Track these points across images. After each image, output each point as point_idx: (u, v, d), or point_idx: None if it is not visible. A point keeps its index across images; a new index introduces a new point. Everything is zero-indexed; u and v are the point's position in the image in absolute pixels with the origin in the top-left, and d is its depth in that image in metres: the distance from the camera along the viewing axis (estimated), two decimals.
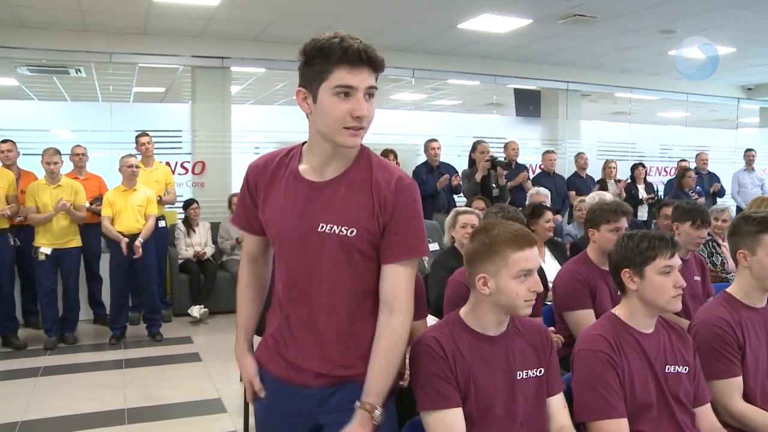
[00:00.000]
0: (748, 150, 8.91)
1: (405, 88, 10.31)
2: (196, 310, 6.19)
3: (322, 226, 1.60)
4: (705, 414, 2.02)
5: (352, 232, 1.59)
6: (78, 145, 6.00)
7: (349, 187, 1.62)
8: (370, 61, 1.51)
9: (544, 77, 8.92)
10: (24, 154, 5.79)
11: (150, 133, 6.33)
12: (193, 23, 6.63)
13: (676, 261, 1.98)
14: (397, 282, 1.62)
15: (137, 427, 3.80)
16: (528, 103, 9.73)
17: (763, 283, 2.22)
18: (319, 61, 1.50)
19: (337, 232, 1.59)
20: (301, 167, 1.66)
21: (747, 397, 2.15)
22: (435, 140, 7.12)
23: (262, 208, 1.70)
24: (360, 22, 6.51)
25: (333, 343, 1.64)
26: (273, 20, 6.51)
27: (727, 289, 2.33)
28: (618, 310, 2.06)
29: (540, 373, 1.86)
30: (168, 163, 6.93)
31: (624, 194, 7.61)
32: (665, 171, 9.45)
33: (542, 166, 7.90)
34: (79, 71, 8.55)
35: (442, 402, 1.72)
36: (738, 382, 2.15)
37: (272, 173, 1.68)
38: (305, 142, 1.69)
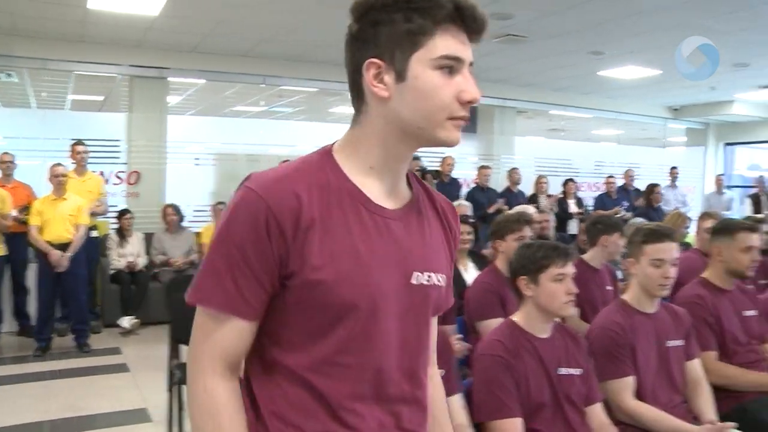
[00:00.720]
0: (672, 168, 9.46)
1: (347, 102, 10.41)
2: (126, 321, 6.08)
3: (417, 276, 1.07)
4: (595, 412, 2.15)
5: (440, 279, 1.12)
6: (5, 153, 5.84)
7: (427, 216, 1.14)
8: (479, 29, 1.03)
9: (481, 94, 9.11)
10: None
11: (86, 142, 6.22)
12: (131, 32, 6.56)
13: (569, 269, 2.11)
14: (435, 335, 1.26)
15: None
16: None
17: (646, 289, 2.38)
18: (407, 17, 0.99)
19: (435, 282, 1.10)
20: (363, 188, 1.06)
21: (639, 395, 2.30)
22: None
23: (307, 258, 1.00)
24: (301, 34, 6.57)
25: None
26: (211, 31, 6.51)
27: (623, 296, 2.48)
28: (516, 316, 2.17)
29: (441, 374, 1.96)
30: (102, 173, 6.81)
31: (555, 209, 7.89)
32: (596, 187, 9.81)
33: (477, 181, 8.13)
34: (11, 75, 8.33)
35: None
36: (629, 381, 2.29)
37: (323, 199, 1.02)
38: (330, 146, 1.11)
